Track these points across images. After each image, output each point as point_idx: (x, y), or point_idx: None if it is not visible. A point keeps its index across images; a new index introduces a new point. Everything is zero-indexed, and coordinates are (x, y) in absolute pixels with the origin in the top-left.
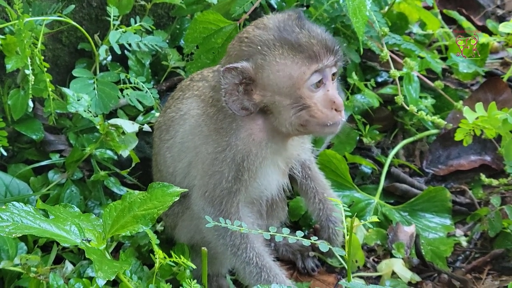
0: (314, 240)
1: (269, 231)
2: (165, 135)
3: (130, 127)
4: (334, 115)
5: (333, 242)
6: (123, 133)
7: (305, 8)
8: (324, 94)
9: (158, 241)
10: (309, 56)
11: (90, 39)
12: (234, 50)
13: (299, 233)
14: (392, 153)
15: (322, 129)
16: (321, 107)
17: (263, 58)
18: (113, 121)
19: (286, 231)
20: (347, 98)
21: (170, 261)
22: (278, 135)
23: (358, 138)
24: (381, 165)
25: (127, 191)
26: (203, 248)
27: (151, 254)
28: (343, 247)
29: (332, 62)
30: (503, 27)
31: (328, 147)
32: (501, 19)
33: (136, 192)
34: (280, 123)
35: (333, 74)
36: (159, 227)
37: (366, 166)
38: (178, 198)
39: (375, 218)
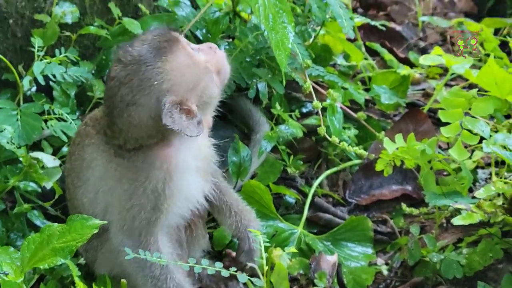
0: (233, 271)
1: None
2: (77, 182)
3: (51, 162)
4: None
5: (255, 252)
6: (43, 167)
7: (230, 40)
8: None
9: (79, 273)
10: (182, 39)
11: (13, 70)
12: (133, 100)
13: (218, 264)
14: (316, 183)
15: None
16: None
17: (165, 80)
18: (35, 154)
19: (205, 262)
20: (272, 129)
21: None
22: (193, 141)
23: (282, 168)
24: (305, 195)
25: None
26: (122, 280)
27: (72, 286)
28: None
29: None
30: (423, 60)
31: (252, 177)
32: (423, 51)
33: (55, 224)
34: (211, 112)
35: None
36: (82, 260)
37: (290, 196)
38: (97, 230)
39: (293, 249)
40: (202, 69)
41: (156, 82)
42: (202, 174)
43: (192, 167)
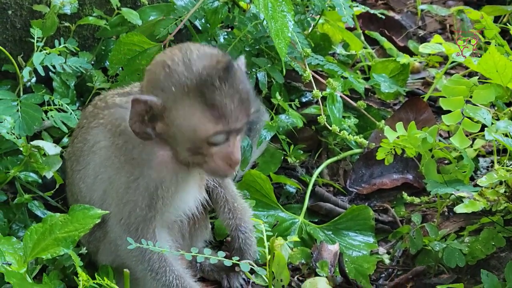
0: (237, 260)
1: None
2: (77, 166)
3: (52, 149)
4: (227, 169)
5: (245, 253)
6: (45, 154)
7: (229, 30)
8: (225, 149)
9: (81, 263)
10: (219, 117)
11: (13, 61)
12: (152, 74)
13: (221, 253)
14: (316, 172)
15: (212, 175)
16: (218, 159)
17: (174, 101)
18: (35, 142)
19: (207, 251)
20: (272, 118)
21: (94, 283)
22: None
23: (282, 158)
24: (306, 184)
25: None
26: (125, 270)
27: (74, 276)
28: (263, 264)
29: (242, 125)
30: (423, 48)
31: (253, 167)
32: (422, 39)
33: (57, 214)
34: (177, 154)
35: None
36: (84, 249)
37: (291, 186)
38: (99, 220)
39: (295, 238)
40: (197, 144)
41: (173, 89)
42: (197, 185)
43: (188, 174)
